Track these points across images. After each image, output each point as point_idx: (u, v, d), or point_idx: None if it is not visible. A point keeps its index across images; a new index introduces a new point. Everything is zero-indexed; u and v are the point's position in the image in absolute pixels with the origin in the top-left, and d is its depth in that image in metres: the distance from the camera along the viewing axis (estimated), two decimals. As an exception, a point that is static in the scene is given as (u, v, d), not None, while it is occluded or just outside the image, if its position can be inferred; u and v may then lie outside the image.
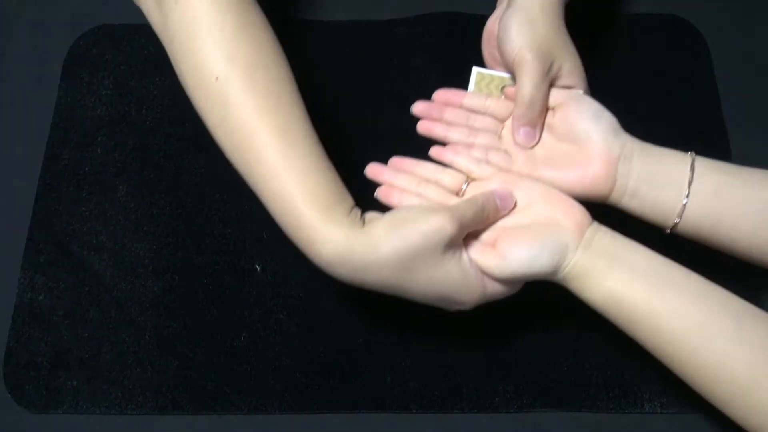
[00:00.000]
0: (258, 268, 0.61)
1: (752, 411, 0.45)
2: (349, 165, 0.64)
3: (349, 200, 0.48)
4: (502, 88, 0.56)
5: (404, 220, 0.45)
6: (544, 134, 0.54)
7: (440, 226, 0.44)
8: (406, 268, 0.45)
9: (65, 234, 0.63)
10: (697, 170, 0.50)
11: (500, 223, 0.50)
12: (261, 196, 0.48)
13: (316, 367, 0.58)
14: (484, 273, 0.48)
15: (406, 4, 0.72)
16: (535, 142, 0.53)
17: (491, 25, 0.58)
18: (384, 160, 0.63)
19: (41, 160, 0.66)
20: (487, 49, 0.59)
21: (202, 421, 0.57)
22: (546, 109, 0.53)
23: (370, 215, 0.48)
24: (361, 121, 0.66)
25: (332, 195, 0.47)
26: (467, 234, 0.48)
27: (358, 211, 0.48)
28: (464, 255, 0.47)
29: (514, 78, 0.55)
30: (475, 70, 0.58)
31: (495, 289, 0.48)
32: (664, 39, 0.70)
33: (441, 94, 0.56)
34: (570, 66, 0.53)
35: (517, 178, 0.51)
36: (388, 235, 0.44)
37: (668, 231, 0.51)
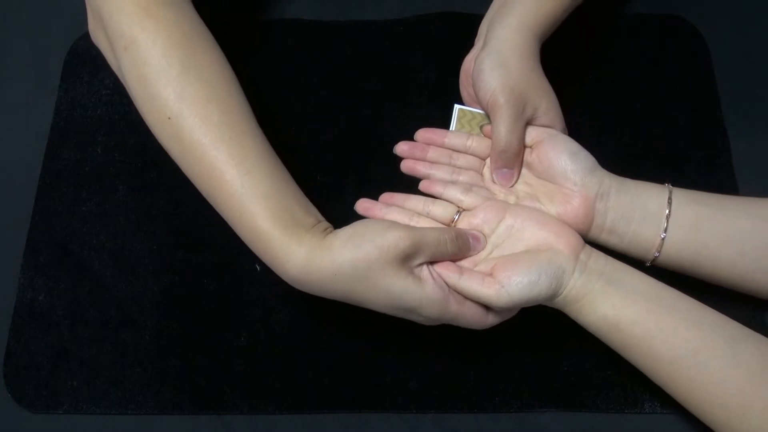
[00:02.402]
0: (258, 268, 0.61)
1: None
2: (348, 164, 0.64)
3: (312, 216, 0.50)
4: (481, 126, 0.56)
5: (362, 233, 0.46)
6: (524, 171, 0.54)
7: (394, 241, 0.45)
8: (363, 279, 0.46)
9: (65, 234, 0.63)
10: (674, 203, 0.50)
11: (496, 252, 0.50)
12: (227, 220, 0.50)
13: (316, 367, 0.58)
14: (478, 303, 0.49)
15: (406, 4, 0.72)
16: (513, 182, 0.54)
17: (467, 64, 0.58)
18: (383, 160, 0.63)
19: (41, 160, 0.66)
20: (465, 88, 0.59)
21: (202, 421, 0.57)
22: (523, 149, 0.54)
23: (340, 229, 0.49)
24: (362, 121, 0.66)
25: (292, 215, 0.49)
26: (463, 263, 0.50)
27: (322, 225, 0.50)
28: (425, 272, 0.47)
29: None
30: (457, 108, 0.58)
31: (460, 312, 0.48)
32: (664, 39, 0.70)
33: (423, 134, 0.57)
34: (546, 106, 0.53)
35: (506, 204, 0.52)
36: (346, 247, 0.46)
37: (648, 264, 0.52)
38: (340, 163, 0.65)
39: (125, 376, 0.58)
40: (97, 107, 0.68)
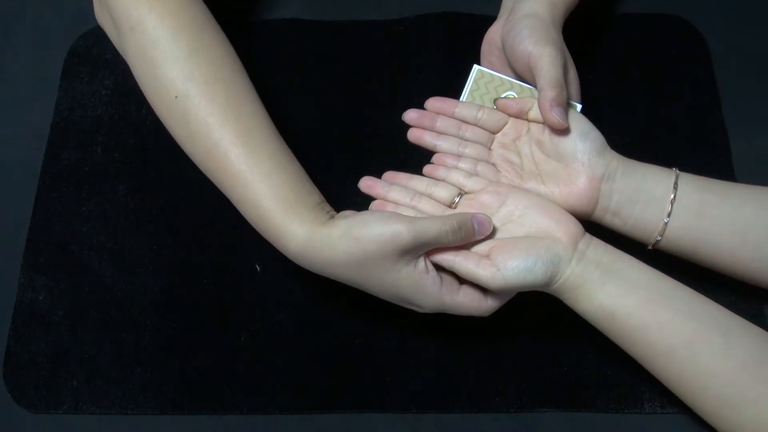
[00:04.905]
0: (258, 268, 0.61)
1: (737, 425, 0.45)
2: (348, 164, 0.64)
3: (315, 197, 0.51)
4: (495, 100, 0.56)
5: (362, 225, 0.47)
6: (533, 148, 0.54)
7: (394, 236, 0.45)
8: (360, 268, 0.47)
9: (65, 234, 0.63)
10: (680, 188, 0.50)
11: (495, 235, 0.50)
12: (232, 199, 0.51)
13: (316, 367, 0.58)
14: (473, 290, 0.49)
15: (406, 4, 0.72)
16: (568, 123, 0.51)
17: (492, 35, 0.59)
18: (384, 160, 0.63)
19: (41, 160, 0.66)
20: (487, 57, 0.59)
21: (202, 421, 0.57)
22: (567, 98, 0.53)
23: (343, 213, 0.50)
24: (362, 121, 0.66)
25: (295, 193, 0.49)
26: (462, 246, 0.49)
27: (325, 207, 0.50)
28: (421, 265, 0.48)
29: (520, 80, 0.56)
30: (476, 68, 0.58)
31: (455, 302, 0.49)
32: (664, 39, 0.70)
33: (433, 103, 0.56)
34: (572, 76, 0.55)
35: (509, 189, 0.52)
36: (344, 237, 0.47)
37: (650, 247, 0.52)
38: (340, 163, 0.65)
39: (125, 376, 0.58)
40: (97, 107, 0.68)
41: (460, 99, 0.58)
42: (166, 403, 0.57)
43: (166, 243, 0.62)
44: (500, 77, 0.57)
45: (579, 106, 0.55)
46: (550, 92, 0.50)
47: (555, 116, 0.50)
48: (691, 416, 0.50)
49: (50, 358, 0.58)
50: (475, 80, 0.57)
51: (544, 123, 0.52)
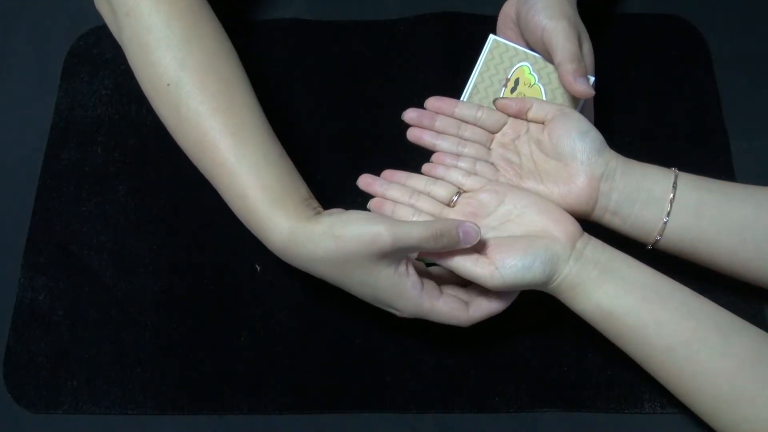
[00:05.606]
0: (258, 268, 0.61)
1: (735, 424, 0.45)
2: (348, 164, 0.64)
3: (302, 192, 0.51)
4: (494, 100, 0.56)
5: (344, 224, 0.46)
6: (533, 147, 0.54)
7: (373, 237, 0.45)
8: (340, 266, 0.47)
9: (65, 234, 0.63)
10: (679, 188, 0.50)
11: (493, 234, 0.50)
12: (219, 190, 0.51)
13: (316, 367, 0.58)
14: (451, 293, 0.49)
15: (406, 4, 0.72)
16: (593, 90, 0.53)
17: (508, 8, 0.59)
18: (384, 160, 0.63)
19: (41, 160, 0.66)
20: (503, 31, 0.60)
21: (202, 421, 0.57)
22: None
23: (330, 210, 0.50)
24: (362, 121, 0.66)
25: (282, 187, 0.49)
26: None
27: (312, 203, 0.51)
28: (402, 268, 0.47)
29: (534, 51, 0.57)
30: (492, 38, 0.58)
31: (435, 308, 0.48)
32: (664, 39, 0.70)
33: (433, 102, 0.57)
34: (587, 49, 0.55)
35: (507, 188, 0.52)
36: (326, 235, 0.47)
37: (649, 247, 0.52)
38: (340, 163, 0.65)
39: (125, 376, 0.58)
40: (97, 107, 0.68)
41: (475, 69, 0.58)
42: (166, 403, 0.57)
43: (166, 243, 0.62)
44: (515, 47, 0.58)
45: (592, 79, 0.55)
46: (569, 66, 0.52)
47: (581, 86, 0.52)
48: (691, 416, 0.50)
49: (50, 358, 0.58)
50: (491, 50, 0.58)
51: (571, 94, 0.53)
